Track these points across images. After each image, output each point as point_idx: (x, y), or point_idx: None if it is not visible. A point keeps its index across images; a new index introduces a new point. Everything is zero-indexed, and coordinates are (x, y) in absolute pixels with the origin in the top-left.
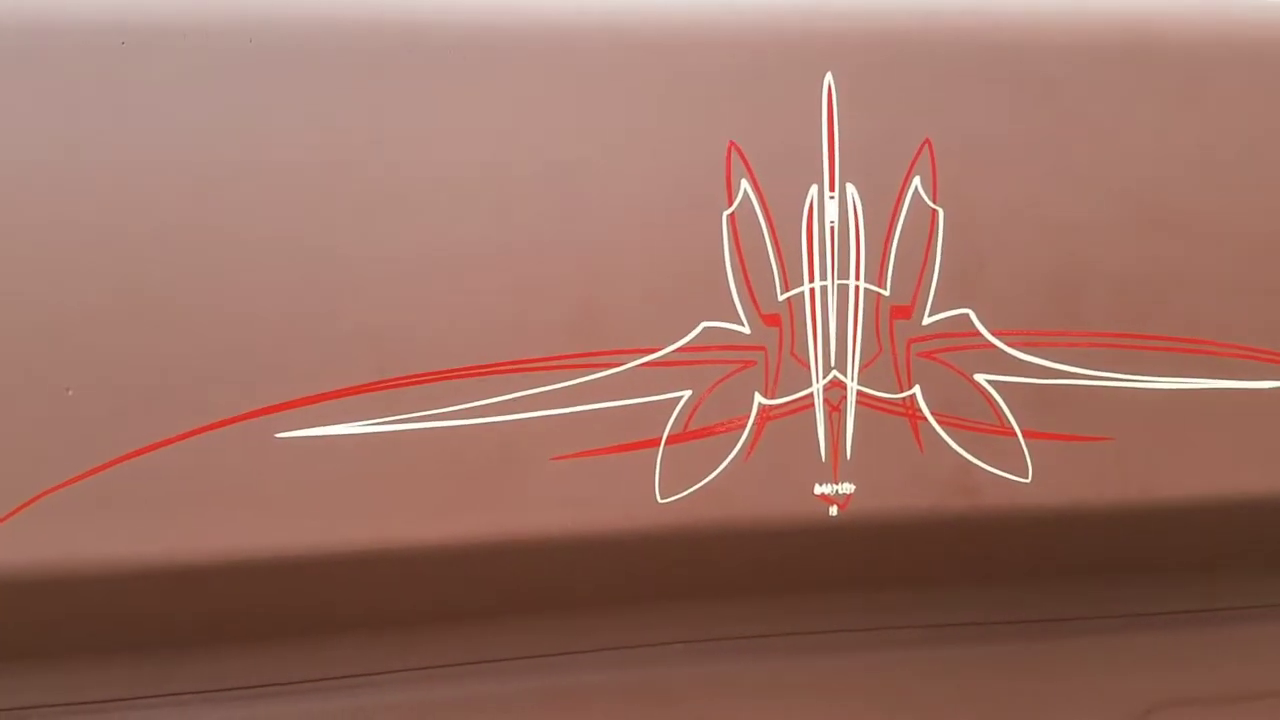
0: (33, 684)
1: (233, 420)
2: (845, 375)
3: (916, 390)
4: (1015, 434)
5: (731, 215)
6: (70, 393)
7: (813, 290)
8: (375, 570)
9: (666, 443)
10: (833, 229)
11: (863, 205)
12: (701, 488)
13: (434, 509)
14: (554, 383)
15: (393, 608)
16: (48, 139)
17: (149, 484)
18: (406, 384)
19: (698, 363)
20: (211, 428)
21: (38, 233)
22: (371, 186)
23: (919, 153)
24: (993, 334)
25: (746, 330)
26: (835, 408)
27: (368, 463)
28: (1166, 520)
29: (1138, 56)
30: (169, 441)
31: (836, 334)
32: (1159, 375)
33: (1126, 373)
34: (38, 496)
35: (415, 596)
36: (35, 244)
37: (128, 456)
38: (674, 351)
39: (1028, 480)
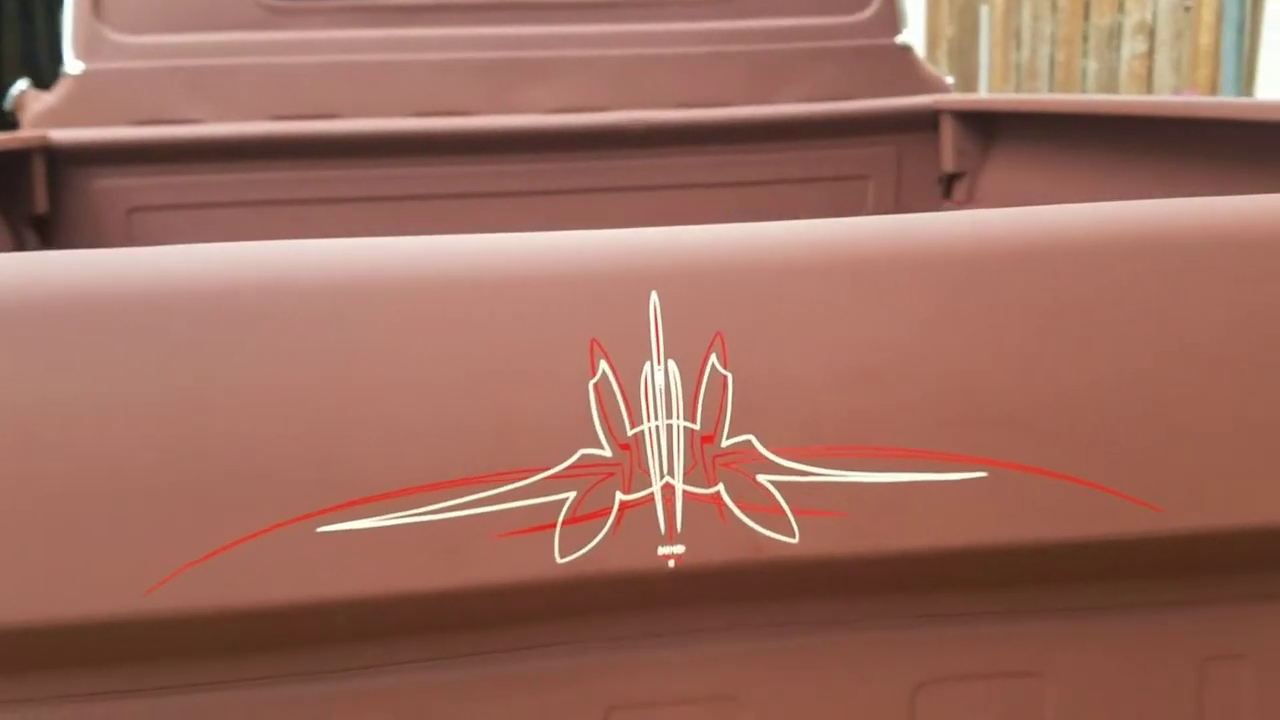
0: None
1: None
2: (674, 479)
3: (720, 487)
4: (785, 512)
5: (595, 384)
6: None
7: (650, 428)
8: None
9: (562, 524)
10: (661, 389)
11: (680, 374)
12: (585, 553)
13: (421, 570)
14: (488, 489)
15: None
16: None
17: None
18: (402, 494)
19: (578, 475)
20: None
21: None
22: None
23: (714, 340)
24: (768, 450)
25: (609, 454)
26: (669, 500)
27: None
28: (894, 563)
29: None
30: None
31: (667, 454)
32: (882, 473)
33: (859, 471)
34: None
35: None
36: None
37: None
38: (564, 468)
39: (795, 540)
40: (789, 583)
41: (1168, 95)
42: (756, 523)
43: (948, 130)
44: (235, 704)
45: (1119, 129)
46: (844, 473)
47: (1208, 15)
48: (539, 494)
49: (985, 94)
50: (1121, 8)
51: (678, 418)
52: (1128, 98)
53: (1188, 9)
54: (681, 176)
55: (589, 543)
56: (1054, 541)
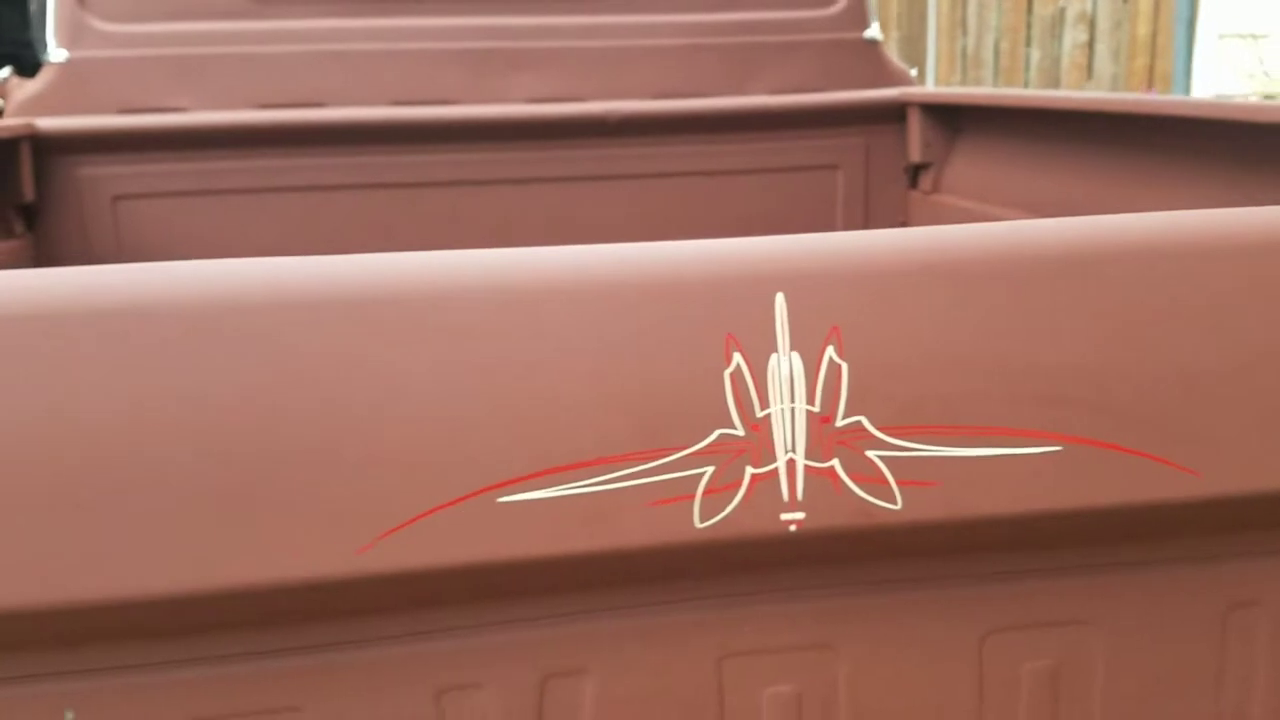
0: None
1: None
2: (796, 455)
3: (835, 461)
4: (890, 483)
5: (730, 374)
6: None
7: (777, 410)
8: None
9: (701, 495)
10: (786, 377)
11: (803, 363)
12: (720, 519)
13: (583, 533)
14: (641, 464)
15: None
16: None
17: None
18: (568, 468)
19: (716, 452)
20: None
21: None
22: None
23: (831, 334)
24: (876, 429)
25: (742, 433)
26: (791, 473)
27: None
28: (976, 526)
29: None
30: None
31: (790, 433)
32: (971, 448)
33: (951, 446)
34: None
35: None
36: None
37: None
38: (704, 446)
39: (898, 506)
40: (887, 544)
41: (1134, 94)
42: (865, 492)
43: (915, 122)
44: (426, 654)
45: (1078, 124)
46: (939, 448)
47: (1145, 5)
48: (683, 468)
49: (932, 83)
50: None
51: (800, 401)
52: (1087, 95)
53: (1126, 0)
54: (658, 165)
55: (723, 510)
56: (1110, 505)
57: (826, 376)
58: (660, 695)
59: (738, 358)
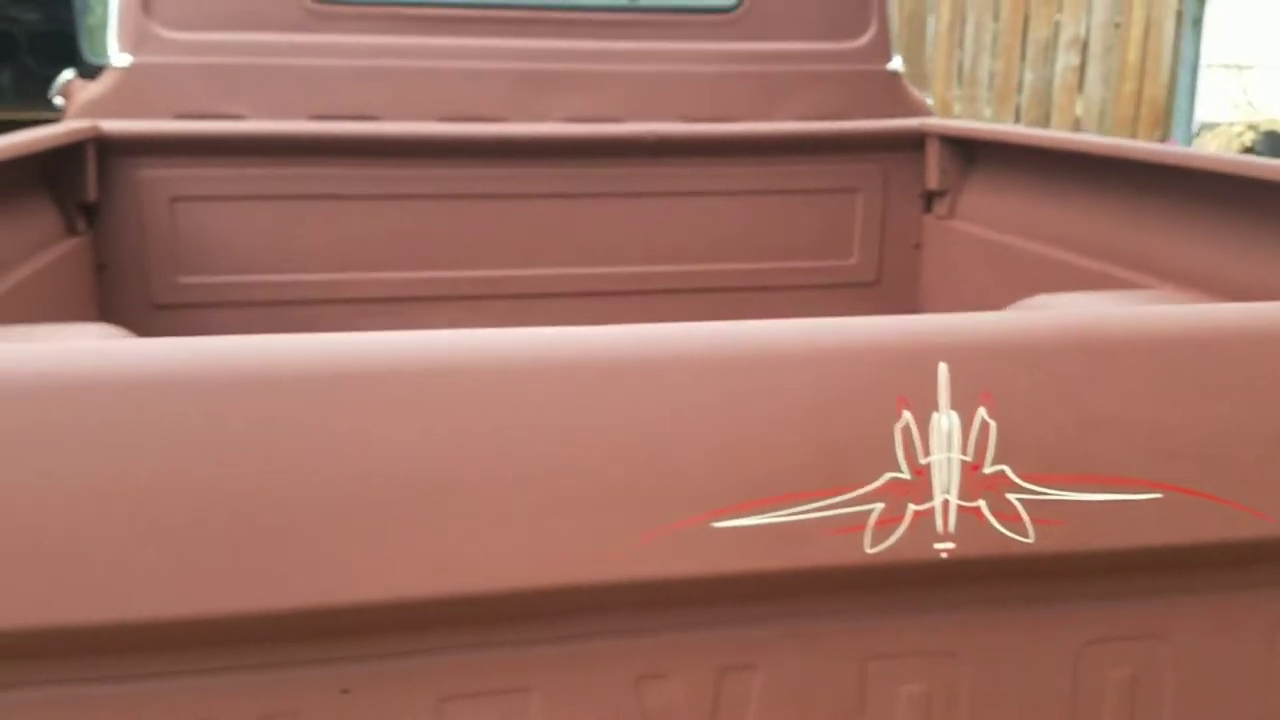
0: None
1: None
2: (950, 496)
3: (981, 502)
4: (1024, 521)
5: (900, 427)
6: None
7: (936, 459)
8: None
9: (872, 525)
10: (945, 432)
11: (959, 421)
12: (886, 546)
13: (778, 553)
14: (826, 499)
15: None
16: None
17: None
18: (769, 500)
19: (886, 491)
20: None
21: None
22: None
23: (983, 397)
24: (1016, 476)
25: (907, 476)
26: (945, 511)
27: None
28: (1091, 557)
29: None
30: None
31: (947, 477)
32: (1092, 493)
33: (1081, 492)
34: None
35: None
36: None
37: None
38: (877, 486)
39: (1030, 540)
40: (1016, 569)
41: (1148, 144)
42: (1004, 527)
43: (933, 151)
44: (638, 648)
45: (1088, 165)
46: (1066, 493)
47: (1136, 33)
48: (858, 504)
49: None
50: (1058, 22)
51: (955, 452)
52: (1099, 139)
53: (1117, 25)
54: (686, 184)
55: (888, 539)
56: (1198, 541)
57: (978, 432)
58: (814, 688)
59: (907, 415)
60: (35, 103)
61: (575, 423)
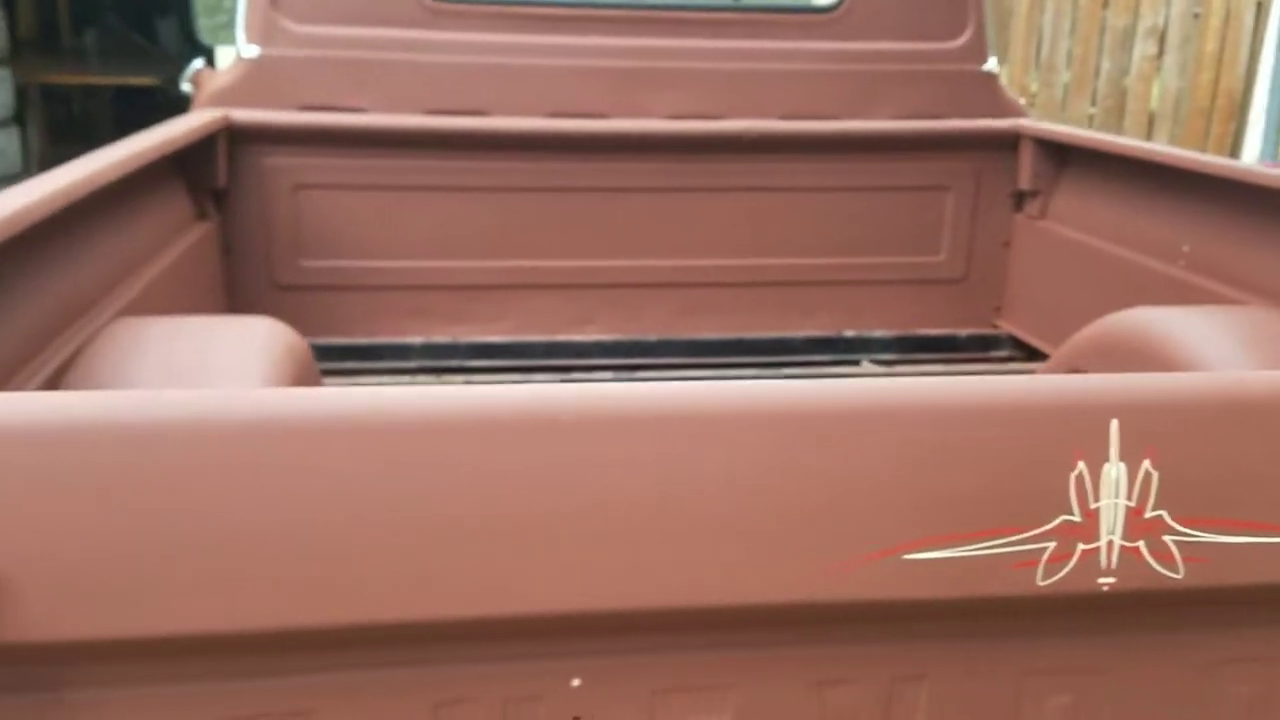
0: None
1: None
2: (1115, 537)
3: (1141, 542)
4: (1176, 559)
5: (1075, 476)
6: None
7: (1105, 504)
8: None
9: (1045, 561)
10: (1114, 480)
11: (1126, 471)
12: (1056, 579)
13: (961, 583)
14: (1006, 538)
15: None
16: None
17: None
18: (955, 537)
19: (1058, 531)
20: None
21: None
22: None
23: (1148, 450)
24: (1172, 520)
25: (1079, 519)
26: (1109, 550)
27: None
28: (1226, 590)
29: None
30: None
31: (1112, 520)
32: (1232, 536)
33: (1225, 535)
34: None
35: None
36: None
37: None
38: (1051, 527)
39: (1180, 576)
40: (1162, 601)
41: (1240, 163)
42: (1160, 565)
43: (1027, 153)
44: (820, 657)
45: (1183, 176)
46: (1213, 535)
47: (1215, 22)
48: (1034, 542)
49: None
50: (1136, 10)
51: (1121, 498)
52: (1195, 155)
53: (1196, 16)
54: (782, 180)
55: (1058, 573)
56: None
57: (1142, 481)
58: (975, 698)
59: (1081, 465)
60: (119, 65)
61: (796, 467)
